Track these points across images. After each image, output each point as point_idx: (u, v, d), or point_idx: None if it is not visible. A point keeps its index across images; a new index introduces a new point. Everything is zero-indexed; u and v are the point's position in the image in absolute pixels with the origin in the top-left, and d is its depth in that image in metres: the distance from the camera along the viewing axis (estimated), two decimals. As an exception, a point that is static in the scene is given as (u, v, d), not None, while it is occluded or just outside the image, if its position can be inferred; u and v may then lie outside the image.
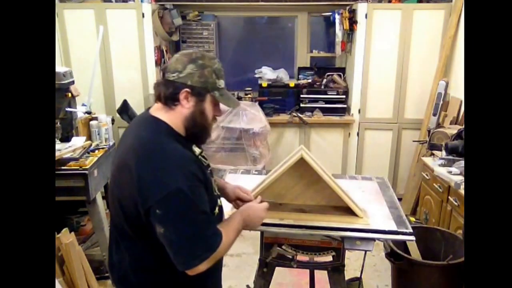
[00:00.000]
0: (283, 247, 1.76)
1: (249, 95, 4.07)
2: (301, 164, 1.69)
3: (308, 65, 4.28)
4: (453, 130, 2.87)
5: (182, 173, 1.11)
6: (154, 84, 1.24)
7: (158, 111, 1.22)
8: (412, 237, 1.61)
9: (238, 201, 1.53)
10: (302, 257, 1.80)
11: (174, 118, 1.21)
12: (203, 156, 1.31)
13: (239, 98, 4.04)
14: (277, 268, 1.85)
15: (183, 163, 1.14)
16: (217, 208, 1.29)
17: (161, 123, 1.20)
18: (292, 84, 3.97)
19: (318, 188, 1.76)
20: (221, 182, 1.57)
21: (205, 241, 1.13)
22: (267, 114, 3.76)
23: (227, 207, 1.60)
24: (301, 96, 3.90)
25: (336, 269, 1.78)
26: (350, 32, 3.77)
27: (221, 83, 1.23)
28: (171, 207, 1.08)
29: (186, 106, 1.19)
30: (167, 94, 1.18)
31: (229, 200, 1.55)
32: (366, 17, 3.55)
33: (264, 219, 1.44)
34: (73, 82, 2.64)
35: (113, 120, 2.97)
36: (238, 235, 1.29)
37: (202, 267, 1.13)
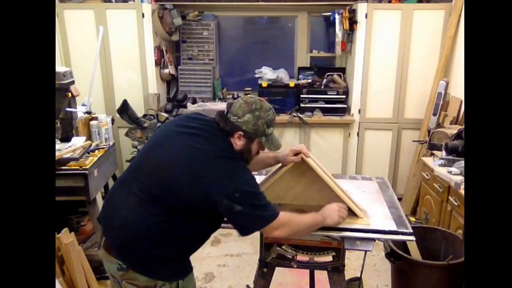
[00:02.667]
0: (283, 247, 1.76)
1: (249, 95, 4.06)
2: (301, 164, 1.70)
3: (308, 65, 4.28)
4: (453, 130, 2.87)
5: (247, 171, 1.47)
6: (218, 114, 1.52)
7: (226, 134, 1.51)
8: (412, 237, 1.62)
9: (295, 156, 1.70)
10: (302, 257, 1.80)
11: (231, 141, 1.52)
12: None
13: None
14: (277, 268, 1.85)
15: (246, 167, 1.50)
16: None
17: (229, 141, 1.50)
18: (292, 84, 3.97)
19: (318, 188, 1.76)
20: (270, 155, 1.80)
21: (270, 207, 1.46)
22: (267, 114, 3.75)
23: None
24: (301, 96, 3.90)
25: (336, 269, 1.78)
26: (350, 32, 3.76)
27: (270, 130, 1.53)
28: (246, 190, 1.41)
29: (237, 143, 1.50)
30: (226, 129, 1.49)
31: (286, 163, 1.74)
32: (366, 17, 3.55)
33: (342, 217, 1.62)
34: (73, 82, 2.64)
35: (113, 120, 2.97)
36: (312, 227, 1.58)
37: (278, 232, 1.47)
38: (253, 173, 1.93)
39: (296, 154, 1.69)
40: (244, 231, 1.45)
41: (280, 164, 1.81)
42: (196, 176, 1.39)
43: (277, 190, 1.79)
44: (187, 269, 1.55)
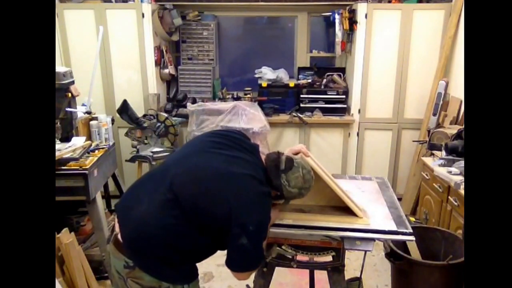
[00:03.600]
0: (283, 247, 1.76)
1: (248, 95, 4.07)
2: None
3: (308, 65, 4.28)
4: (453, 130, 2.87)
5: (270, 209, 1.49)
6: (274, 161, 1.54)
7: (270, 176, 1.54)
8: (412, 237, 1.62)
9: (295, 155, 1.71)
10: (302, 257, 1.80)
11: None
12: None
13: (239, 98, 4.05)
14: (277, 268, 1.85)
15: (270, 203, 1.51)
16: None
17: (266, 173, 1.53)
18: (292, 84, 3.97)
19: (318, 188, 1.76)
20: None
21: (262, 257, 1.50)
22: (266, 114, 3.76)
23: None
24: (301, 96, 3.90)
25: (336, 269, 1.78)
26: (350, 32, 3.76)
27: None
28: (260, 229, 1.43)
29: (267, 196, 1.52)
30: (272, 182, 1.52)
31: None
32: (366, 17, 3.55)
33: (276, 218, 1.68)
34: (73, 82, 2.64)
35: (113, 120, 2.97)
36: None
37: (247, 275, 1.50)
38: None
39: (296, 154, 1.69)
40: (235, 267, 1.47)
41: None
42: (227, 194, 1.40)
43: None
44: (194, 275, 1.54)
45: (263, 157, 1.59)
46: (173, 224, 1.42)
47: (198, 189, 1.43)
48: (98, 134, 2.78)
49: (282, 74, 4.03)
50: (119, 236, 1.49)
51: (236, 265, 1.46)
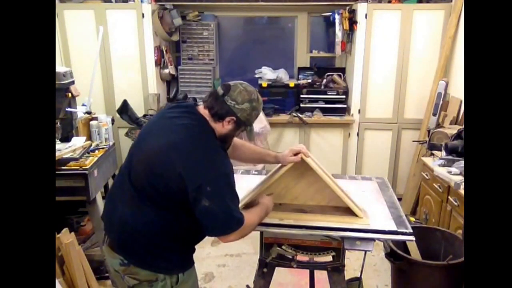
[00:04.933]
0: (283, 247, 1.76)
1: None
2: (301, 164, 1.70)
3: (308, 65, 4.28)
4: (453, 130, 2.87)
5: (226, 163, 1.45)
6: (212, 93, 1.50)
7: (206, 115, 1.50)
8: (412, 237, 1.62)
9: (294, 156, 1.70)
10: (302, 257, 1.80)
11: (215, 128, 1.50)
12: None
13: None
14: (277, 268, 1.85)
15: (225, 156, 1.49)
16: None
17: (210, 128, 1.49)
18: (292, 84, 3.97)
19: (318, 188, 1.76)
20: (271, 153, 1.85)
21: (237, 217, 1.42)
22: (267, 114, 3.76)
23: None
24: (301, 96, 3.90)
25: (336, 269, 1.78)
26: (350, 32, 3.77)
27: (253, 122, 1.56)
28: (218, 185, 1.38)
29: (225, 127, 1.49)
30: (219, 112, 1.47)
31: (286, 163, 1.73)
32: (366, 17, 3.55)
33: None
34: (73, 82, 2.64)
35: (113, 120, 2.97)
36: (260, 219, 1.59)
37: (233, 237, 1.43)
38: (254, 172, 1.97)
39: (296, 154, 1.69)
40: (211, 232, 1.45)
41: (279, 164, 1.80)
42: (173, 164, 1.38)
43: (278, 190, 1.79)
44: (188, 263, 1.56)
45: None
46: (148, 215, 1.44)
47: (150, 174, 1.42)
48: (98, 134, 2.78)
49: (282, 74, 4.03)
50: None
51: (210, 230, 1.43)
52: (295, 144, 1.93)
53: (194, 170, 1.38)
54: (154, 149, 1.44)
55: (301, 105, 3.88)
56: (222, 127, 1.49)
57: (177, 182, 1.38)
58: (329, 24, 4.07)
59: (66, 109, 2.58)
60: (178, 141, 1.42)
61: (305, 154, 1.68)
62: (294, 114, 3.82)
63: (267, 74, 3.99)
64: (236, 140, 1.75)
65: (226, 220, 1.41)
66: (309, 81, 4.05)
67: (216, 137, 1.50)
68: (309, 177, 1.75)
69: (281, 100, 3.94)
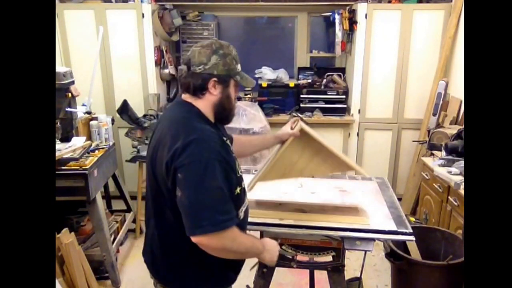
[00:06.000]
0: (283, 247, 1.76)
1: (249, 95, 4.07)
2: (301, 138, 1.65)
3: (308, 65, 4.28)
4: (453, 130, 2.87)
5: (207, 147, 1.21)
6: (180, 78, 1.35)
7: (190, 99, 1.34)
8: (412, 237, 1.62)
9: (292, 132, 1.63)
10: (302, 257, 1.80)
11: (204, 106, 1.33)
12: (229, 143, 1.41)
13: (239, 99, 4.05)
14: (277, 268, 1.85)
15: (209, 139, 1.24)
16: (238, 189, 1.35)
17: (194, 108, 1.32)
18: (292, 84, 3.97)
19: (320, 159, 1.72)
20: (269, 135, 1.75)
21: (213, 214, 1.18)
22: (267, 114, 3.76)
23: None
24: (301, 96, 3.90)
25: (336, 269, 1.78)
26: (350, 32, 3.77)
27: (239, 67, 1.37)
28: (190, 173, 1.18)
29: (214, 93, 1.32)
30: (197, 85, 1.30)
31: (286, 137, 1.65)
32: (366, 17, 3.55)
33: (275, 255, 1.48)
34: (73, 82, 2.64)
35: (113, 120, 2.97)
36: (249, 254, 1.37)
37: (205, 240, 1.19)
38: (254, 171, 1.91)
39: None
40: (189, 232, 1.20)
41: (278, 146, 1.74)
42: (161, 159, 1.24)
43: (282, 168, 1.73)
44: (216, 282, 1.41)
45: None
46: (164, 226, 1.35)
47: (155, 178, 1.31)
48: (98, 134, 2.78)
49: (282, 74, 4.03)
50: None
51: (185, 228, 1.21)
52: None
53: (173, 157, 1.20)
54: (150, 151, 1.35)
55: (301, 105, 3.89)
56: (211, 95, 1.31)
57: (166, 178, 1.24)
58: (329, 24, 4.07)
59: (66, 109, 2.58)
60: (162, 135, 1.29)
61: (301, 121, 1.62)
62: (294, 114, 3.82)
63: (267, 74, 3.99)
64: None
65: (195, 216, 1.18)
66: (309, 81, 4.05)
67: (205, 118, 1.33)
68: (311, 148, 1.70)
69: (281, 100, 3.95)
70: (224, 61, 1.31)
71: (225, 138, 1.36)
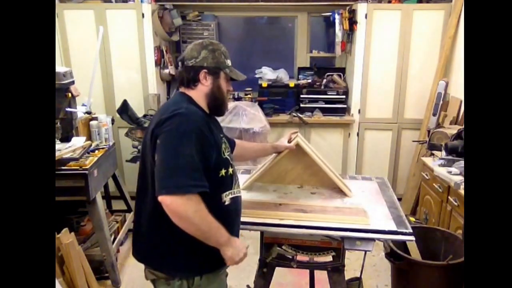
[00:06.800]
0: (283, 247, 1.76)
1: (249, 95, 4.07)
2: (298, 150, 1.85)
3: (308, 65, 4.28)
4: (453, 130, 2.87)
5: (187, 119, 1.33)
6: (176, 73, 1.50)
7: (184, 90, 1.48)
8: (412, 237, 1.62)
9: (288, 146, 1.85)
10: (302, 257, 1.81)
11: (197, 95, 1.47)
12: (223, 138, 1.50)
13: (239, 99, 4.05)
14: (277, 268, 1.85)
15: (192, 114, 1.36)
16: (223, 171, 1.43)
17: (186, 96, 1.47)
18: (292, 84, 3.97)
19: (313, 172, 1.94)
20: (269, 144, 1.95)
21: (180, 178, 1.26)
22: (267, 114, 3.76)
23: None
24: (301, 96, 3.90)
25: (336, 269, 1.78)
26: (350, 32, 3.77)
27: (229, 62, 1.53)
28: (167, 139, 1.29)
29: (205, 84, 1.46)
30: (189, 77, 1.45)
31: (282, 148, 1.88)
32: (366, 17, 3.55)
33: (238, 257, 1.44)
34: (73, 82, 2.64)
35: (113, 120, 2.97)
36: (211, 232, 1.34)
37: (168, 200, 1.24)
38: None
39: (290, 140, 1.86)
40: (157, 192, 1.27)
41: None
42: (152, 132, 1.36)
43: (276, 174, 1.98)
44: (204, 266, 1.45)
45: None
46: (150, 206, 1.41)
47: (142, 167, 1.45)
48: (98, 134, 2.78)
49: (282, 74, 4.03)
50: None
51: (156, 188, 1.27)
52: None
53: (155, 124, 1.34)
54: (146, 135, 1.43)
55: (301, 105, 3.88)
56: (203, 86, 1.45)
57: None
58: (329, 24, 4.07)
59: (66, 109, 2.58)
60: (154, 117, 1.45)
61: (297, 137, 1.79)
62: (294, 114, 3.82)
63: (267, 74, 3.99)
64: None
65: (165, 177, 1.26)
66: (309, 81, 4.05)
67: (197, 105, 1.44)
68: (305, 161, 1.91)
69: (281, 100, 3.94)
70: (213, 54, 1.46)
71: (213, 127, 1.43)
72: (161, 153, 1.29)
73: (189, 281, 1.42)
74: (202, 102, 1.47)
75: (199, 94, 1.47)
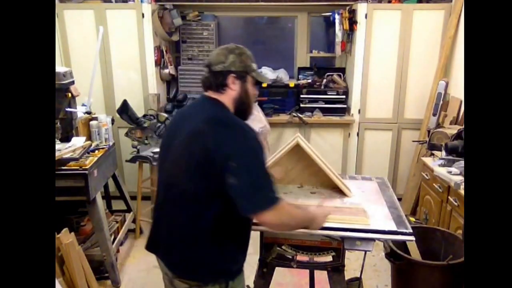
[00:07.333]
0: (283, 247, 1.76)
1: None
2: (298, 150, 1.86)
3: (308, 65, 4.28)
4: (453, 130, 2.87)
5: (251, 136, 1.37)
6: (202, 78, 1.49)
7: (214, 95, 1.46)
8: (412, 237, 1.62)
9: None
10: (302, 257, 1.80)
11: (227, 100, 1.46)
12: None
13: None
14: (277, 268, 1.85)
15: (250, 130, 1.40)
16: None
17: (221, 103, 1.45)
18: (292, 84, 3.97)
19: (312, 172, 1.95)
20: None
21: (266, 193, 1.32)
22: (267, 114, 3.76)
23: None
24: (301, 96, 3.90)
25: (336, 269, 1.78)
26: (350, 32, 3.76)
27: (255, 65, 1.53)
28: (243, 160, 1.30)
29: (233, 89, 1.45)
30: (218, 82, 1.44)
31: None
32: (366, 17, 3.55)
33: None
34: (73, 82, 2.64)
35: (113, 120, 2.97)
36: (302, 224, 1.49)
37: (268, 218, 1.32)
38: None
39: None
40: (243, 211, 1.33)
41: (279, 149, 1.97)
42: (204, 145, 1.32)
43: (276, 173, 1.92)
44: (236, 269, 1.48)
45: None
46: (191, 217, 1.38)
47: (186, 168, 1.36)
48: (98, 134, 2.78)
49: (282, 74, 4.03)
50: None
51: (241, 209, 1.32)
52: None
53: (220, 146, 1.31)
54: (182, 141, 1.39)
55: (301, 105, 3.88)
56: (232, 91, 1.45)
57: (209, 165, 1.31)
58: (329, 24, 4.07)
59: (66, 109, 2.58)
60: (200, 125, 1.37)
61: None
62: (294, 114, 3.82)
63: (267, 74, 3.99)
64: None
65: (253, 196, 1.31)
66: (309, 81, 4.05)
67: (227, 109, 1.45)
68: (305, 161, 1.92)
69: (281, 100, 3.94)
70: (240, 58, 1.46)
71: None
72: (243, 174, 1.30)
73: (222, 285, 1.44)
74: (230, 106, 1.47)
75: (228, 98, 1.46)
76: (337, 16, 3.73)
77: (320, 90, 3.92)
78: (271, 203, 1.31)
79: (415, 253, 2.22)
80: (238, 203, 1.31)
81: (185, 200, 1.39)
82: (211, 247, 1.40)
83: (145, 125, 3.27)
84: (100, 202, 2.58)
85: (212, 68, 1.45)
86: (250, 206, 1.32)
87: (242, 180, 1.29)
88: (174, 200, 1.42)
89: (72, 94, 2.59)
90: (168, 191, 1.45)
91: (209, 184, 1.34)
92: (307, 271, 2.24)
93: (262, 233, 1.78)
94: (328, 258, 1.78)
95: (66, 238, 2.32)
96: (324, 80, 3.99)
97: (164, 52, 3.93)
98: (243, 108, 1.49)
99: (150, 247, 1.55)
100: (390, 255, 2.17)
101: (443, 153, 2.61)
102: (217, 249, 1.41)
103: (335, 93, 3.88)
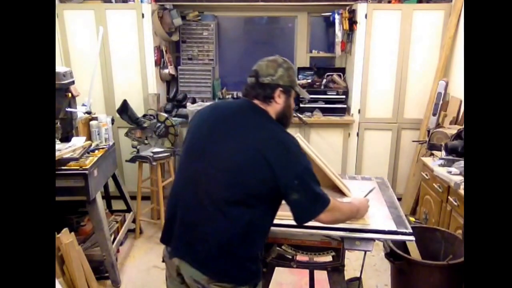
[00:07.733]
0: (283, 247, 1.76)
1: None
2: None
3: (308, 65, 4.28)
4: (452, 130, 2.87)
5: (303, 155, 1.45)
6: (248, 86, 1.54)
7: (261, 105, 1.50)
8: (412, 237, 1.62)
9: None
10: (302, 257, 1.80)
11: (272, 111, 1.51)
12: None
13: (239, 98, 4.04)
14: (277, 268, 1.85)
15: (299, 144, 1.48)
16: None
17: (270, 116, 1.50)
18: (292, 84, 3.96)
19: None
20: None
21: (321, 198, 1.42)
22: (267, 114, 3.75)
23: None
24: (301, 96, 3.89)
25: (335, 269, 1.78)
26: (350, 32, 3.77)
27: (297, 80, 1.58)
28: (304, 177, 1.38)
29: (278, 102, 1.50)
30: (266, 94, 1.48)
31: None
32: (366, 17, 3.55)
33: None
34: (73, 82, 2.64)
35: (113, 120, 2.97)
36: (350, 216, 1.59)
37: (323, 217, 1.43)
38: None
39: None
40: (299, 221, 1.43)
41: None
42: (265, 160, 1.35)
43: None
44: (261, 270, 1.52)
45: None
46: (233, 222, 1.38)
47: (238, 175, 1.38)
48: (98, 134, 2.79)
49: (282, 74, 4.02)
50: None
51: (298, 219, 1.42)
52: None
53: (283, 165, 1.37)
54: (241, 150, 1.39)
55: (301, 105, 3.88)
56: (277, 104, 1.49)
57: (269, 178, 1.36)
58: (329, 24, 4.07)
59: (66, 109, 2.58)
60: (264, 137, 1.41)
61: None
62: (294, 114, 3.81)
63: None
64: None
65: (312, 206, 1.41)
66: (309, 81, 4.05)
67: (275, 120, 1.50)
68: None
69: (281, 100, 3.94)
70: (288, 73, 1.51)
71: None
72: (306, 191, 1.39)
73: (251, 286, 1.45)
74: (273, 118, 1.51)
75: (273, 110, 1.50)
76: (337, 16, 3.73)
77: (320, 90, 3.92)
78: (325, 206, 1.41)
79: (415, 253, 2.22)
80: (297, 214, 1.41)
81: (226, 203, 1.38)
82: (246, 249, 1.43)
83: (145, 125, 3.27)
84: (100, 202, 2.58)
85: (260, 80, 1.49)
86: (308, 215, 1.42)
87: (304, 195, 1.38)
88: (213, 202, 1.39)
89: (72, 94, 2.59)
90: (204, 192, 1.41)
91: (260, 192, 1.39)
92: (307, 271, 2.24)
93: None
94: (328, 258, 1.78)
95: (66, 238, 2.32)
96: (324, 80, 3.99)
97: (164, 52, 3.93)
98: (284, 121, 1.54)
99: (173, 250, 1.49)
100: (390, 255, 2.17)
101: (443, 153, 2.61)
102: (250, 250, 1.44)
103: (335, 93, 3.88)
